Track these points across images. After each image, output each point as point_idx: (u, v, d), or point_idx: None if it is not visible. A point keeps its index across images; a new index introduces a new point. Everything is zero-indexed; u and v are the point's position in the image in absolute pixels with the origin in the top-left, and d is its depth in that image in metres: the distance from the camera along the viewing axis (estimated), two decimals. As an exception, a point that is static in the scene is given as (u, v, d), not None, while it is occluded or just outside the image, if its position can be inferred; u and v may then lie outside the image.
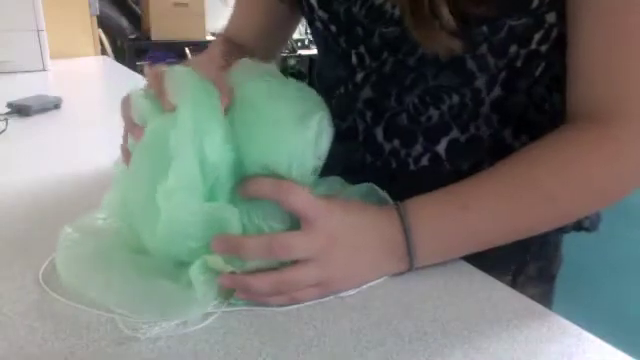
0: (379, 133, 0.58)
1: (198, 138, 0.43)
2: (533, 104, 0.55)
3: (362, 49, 0.57)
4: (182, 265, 0.46)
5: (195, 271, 0.44)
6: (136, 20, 3.85)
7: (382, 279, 0.50)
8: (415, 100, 0.55)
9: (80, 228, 0.51)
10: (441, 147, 0.56)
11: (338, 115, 0.56)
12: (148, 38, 3.67)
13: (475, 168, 0.55)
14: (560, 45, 0.52)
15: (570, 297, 0.67)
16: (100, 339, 0.41)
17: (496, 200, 0.48)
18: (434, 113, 0.55)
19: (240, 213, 0.45)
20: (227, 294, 0.46)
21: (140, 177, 0.46)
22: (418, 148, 0.57)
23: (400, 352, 0.40)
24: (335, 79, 0.62)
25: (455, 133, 0.55)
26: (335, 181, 0.53)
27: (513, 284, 0.60)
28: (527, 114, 0.55)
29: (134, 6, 3.85)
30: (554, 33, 0.51)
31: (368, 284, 0.49)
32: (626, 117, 0.47)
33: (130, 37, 3.78)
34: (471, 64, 0.52)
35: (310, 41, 3.93)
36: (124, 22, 3.80)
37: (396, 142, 0.57)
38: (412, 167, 0.57)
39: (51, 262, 0.50)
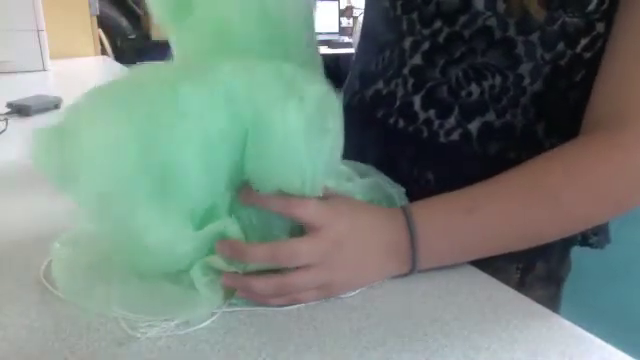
0: (417, 101, 0.58)
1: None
2: (569, 107, 0.56)
3: (415, 16, 0.57)
4: (184, 266, 0.46)
5: (197, 272, 0.44)
6: (136, 20, 3.85)
7: (383, 281, 0.50)
8: (459, 73, 0.55)
9: (72, 238, 0.51)
10: (474, 126, 0.56)
11: (383, 78, 0.57)
12: (148, 38, 3.67)
13: (501, 154, 0.56)
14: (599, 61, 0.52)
15: (572, 298, 0.67)
16: (100, 339, 0.41)
17: (503, 205, 0.48)
18: (475, 90, 0.55)
19: (241, 219, 0.45)
20: (228, 294, 0.46)
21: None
22: (452, 121, 0.57)
23: (400, 352, 0.40)
24: (383, 42, 0.62)
25: (491, 115, 0.56)
26: (343, 172, 0.53)
27: (521, 283, 0.60)
28: (562, 116, 0.56)
29: (134, 6, 3.85)
30: (599, 43, 0.52)
31: (368, 286, 0.49)
32: (633, 124, 0.48)
33: (130, 37, 3.78)
34: (520, 49, 0.52)
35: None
36: (124, 22, 3.80)
37: (431, 112, 0.58)
38: (442, 139, 0.57)
39: (48, 266, 0.50)
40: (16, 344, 0.40)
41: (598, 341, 0.42)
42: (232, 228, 0.45)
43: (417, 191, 0.52)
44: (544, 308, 0.47)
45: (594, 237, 0.62)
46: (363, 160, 0.57)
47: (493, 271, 0.52)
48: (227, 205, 0.46)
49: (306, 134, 0.41)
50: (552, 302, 0.63)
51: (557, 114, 0.56)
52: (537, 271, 0.62)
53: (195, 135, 0.40)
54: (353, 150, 0.49)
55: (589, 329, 0.43)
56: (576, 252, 0.65)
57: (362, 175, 0.55)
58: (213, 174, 0.43)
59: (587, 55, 0.53)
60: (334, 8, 3.78)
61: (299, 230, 0.47)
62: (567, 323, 0.44)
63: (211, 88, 0.41)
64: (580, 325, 0.44)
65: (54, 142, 0.40)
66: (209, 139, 0.41)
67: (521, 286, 0.52)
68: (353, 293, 0.48)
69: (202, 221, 0.45)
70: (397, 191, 0.53)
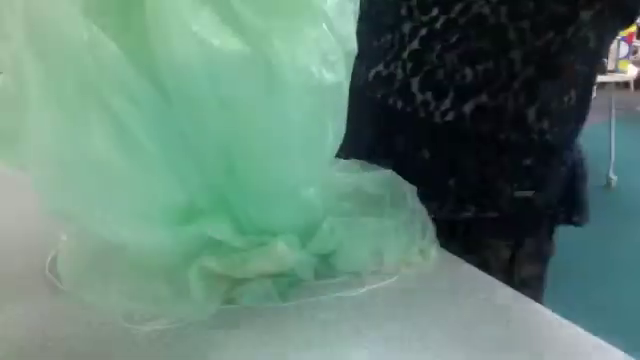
0: (415, 84, 0.61)
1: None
2: (558, 94, 0.59)
3: (414, 2, 0.60)
4: (181, 264, 0.45)
5: (193, 275, 0.43)
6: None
7: (384, 281, 0.50)
8: (455, 59, 0.58)
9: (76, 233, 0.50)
10: (467, 107, 0.59)
11: (383, 60, 0.60)
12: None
13: (492, 135, 0.59)
14: (585, 51, 0.56)
15: (570, 296, 0.69)
16: (100, 338, 0.41)
17: None
18: (468, 73, 0.58)
19: (235, 215, 0.44)
20: (228, 291, 0.46)
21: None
22: (447, 103, 0.59)
23: (400, 352, 0.40)
24: (384, 26, 0.64)
25: (483, 98, 0.58)
26: (355, 163, 0.53)
27: (512, 258, 0.63)
28: (552, 101, 0.59)
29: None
30: (584, 31, 0.56)
31: (369, 286, 0.49)
32: None
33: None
34: (512, 35, 0.55)
35: None
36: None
37: (428, 94, 0.60)
38: (437, 119, 0.60)
39: (53, 259, 0.50)
40: (16, 344, 0.40)
41: (599, 340, 0.42)
42: (218, 229, 0.43)
43: (412, 166, 0.56)
44: (544, 307, 0.47)
45: (576, 216, 0.66)
46: (360, 138, 0.59)
47: (485, 247, 0.54)
48: (212, 201, 0.44)
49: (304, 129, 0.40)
50: (539, 281, 0.67)
51: (546, 99, 0.59)
52: (526, 247, 0.65)
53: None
54: (352, 128, 0.48)
55: (588, 327, 0.43)
56: (575, 249, 0.69)
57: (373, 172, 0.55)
58: (175, 166, 0.40)
59: (574, 42, 0.56)
60: None
61: (304, 227, 0.46)
62: (567, 322, 0.44)
63: None
64: (579, 323, 0.44)
65: None
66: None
67: (512, 262, 0.54)
68: (355, 293, 0.48)
69: (185, 218, 0.43)
70: (410, 189, 0.54)
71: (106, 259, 0.47)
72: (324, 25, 0.41)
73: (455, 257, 0.53)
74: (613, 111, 3.45)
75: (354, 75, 0.64)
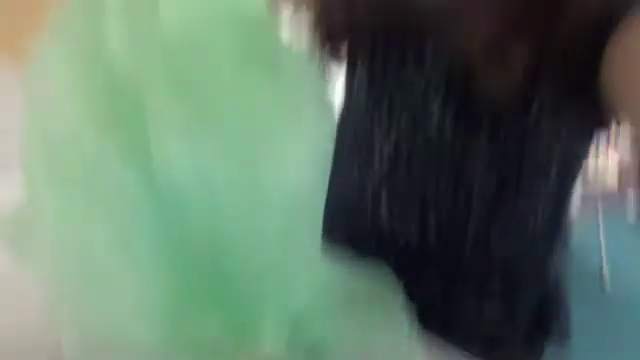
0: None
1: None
2: (521, 216, 0.56)
3: (383, 109, 0.57)
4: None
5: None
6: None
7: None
8: (420, 169, 0.56)
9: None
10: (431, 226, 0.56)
11: (359, 170, 0.59)
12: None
13: (455, 256, 0.56)
14: (553, 162, 0.53)
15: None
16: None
17: None
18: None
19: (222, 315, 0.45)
20: None
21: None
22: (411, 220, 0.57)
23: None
24: (355, 132, 0.62)
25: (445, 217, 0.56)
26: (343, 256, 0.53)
27: None
28: (515, 223, 0.56)
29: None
30: (546, 146, 0.53)
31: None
32: None
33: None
34: (471, 147, 0.53)
35: None
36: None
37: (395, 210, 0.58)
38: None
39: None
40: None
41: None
42: (207, 326, 0.44)
43: None
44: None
45: (555, 337, 0.62)
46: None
47: None
48: (201, 300, 0.45)
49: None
50: None
51: (510, 220, 0.56)
52: None
53: None
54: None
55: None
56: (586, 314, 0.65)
57: None
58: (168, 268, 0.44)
59: (538, 157, 0.53)
60: None
61: (291, 321, 0.46)
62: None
63: None
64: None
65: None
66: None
67: None
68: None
69: (175, 316, 0.45)
70: (396, 284, 0.51)
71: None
72: (305, 142, 0.48)
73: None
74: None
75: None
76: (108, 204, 0.43)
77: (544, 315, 0.60)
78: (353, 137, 0.61)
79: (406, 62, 0.56)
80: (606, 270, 2.92)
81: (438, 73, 0.53)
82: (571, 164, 0.56)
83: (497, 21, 0.48)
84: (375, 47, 0.58)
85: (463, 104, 0.52)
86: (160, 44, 0.45)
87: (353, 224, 0.59)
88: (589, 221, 2.74)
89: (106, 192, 0.43)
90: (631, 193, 2.96)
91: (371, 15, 0.57)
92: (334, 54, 0.62)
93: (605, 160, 2.83)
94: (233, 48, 0.48)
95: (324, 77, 0.61)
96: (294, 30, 0.62)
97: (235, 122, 0.46)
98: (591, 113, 0.51)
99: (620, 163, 2.92)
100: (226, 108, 0.46)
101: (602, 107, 0.48)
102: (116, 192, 0.43)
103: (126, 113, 0.44)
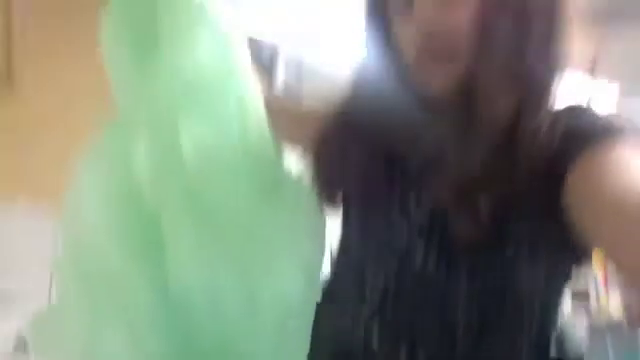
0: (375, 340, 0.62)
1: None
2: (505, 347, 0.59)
3: (372, 253, 0.63)
4: None
5: None
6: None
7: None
8: (408, 308, 0.60)
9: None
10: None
11: (350, 308, 0.63)
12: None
13: None
14: (534, 300, 0.57)
15: None
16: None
17: None
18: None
19: None
20: None
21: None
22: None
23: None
24: (350, 269, 0.66)
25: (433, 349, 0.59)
26: None
27: None
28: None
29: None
30: (527, 287, 0.56)
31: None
32: None
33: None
34: (454, 287, 0.57)
35: None
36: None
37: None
38: None
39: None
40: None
41: None
42: None
43: None
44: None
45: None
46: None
47: None
48: None
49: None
50: None
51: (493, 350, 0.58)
52: None
53: None
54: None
55: None
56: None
57: None
58: None
59: (520, 295, 0.57)
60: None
61: None
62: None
63: None
64: None
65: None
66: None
67: None
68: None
69: None
70: None
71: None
72: (298, 263, 0.57)
73: None
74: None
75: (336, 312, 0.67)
76: (126, 309, 0.50)
77: None
78: (347, 271, 0.67)
79: (392, 208, 0.62)
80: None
81: (420, 217, 0.60)
82: (553, 295, 0.60)
83: (463, 176, 0.54)
84: (365, 196, 0.65)
85: (444, 245, 0.57)
86: (180, 172, 0.53)
87: (344, 353, 0.63)
88: (599, 353, 2.62)
89: (125, 299, 0.50)
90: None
91: (361, 171, 0.64)
92: (331, 201, 0.68)
93: (609, 293, 2.78)
94: (245, 177, 0.57)
95: (321, 209, 0.67)
96: (299, 164, 0.70)
97: (241, 242, 0.54)
98: (566, 245, 0.55)
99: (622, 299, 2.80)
100: (235, 230, 0.54)
101: (575, 240, 0.52)
102: (134, 300, 0.50)
103: (147, 233, 0.52)
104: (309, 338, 0.58)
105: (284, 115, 0.78)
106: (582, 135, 0.53)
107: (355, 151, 0.65)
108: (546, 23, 0.57)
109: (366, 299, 0.62)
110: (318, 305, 0.70)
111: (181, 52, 0.56)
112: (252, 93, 0.62)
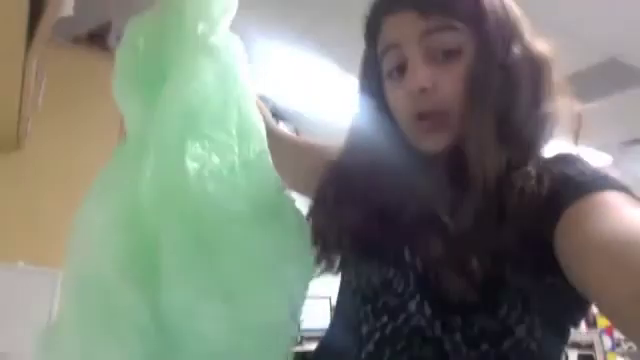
0: None
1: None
2: None
3: (368, 308, 0.64)
4: None
5: None
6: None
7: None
8: None
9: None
10: None
11: (348, 357, 0.63)
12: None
13: None
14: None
15: None
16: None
17: None
18: None
19: None
20: None
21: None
22: None
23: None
24: (348, 325, 0.67)
25: None
26: None
27: None
28: None
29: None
30: (525, 345, 0.56)
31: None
32: None
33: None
34: (448, 345, 0.57)
35: (303, 338, 3.40)
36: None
37: None
38: None
39: None
40: None
41: None
42: None
43: None
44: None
45: None
46: None
47: None
48: None
49: None
50: None
51: None
52: None
53: None
54: None
55: None
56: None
57: None
58: None
59: (514, 356, 0.56)
60: (326, 305, 3.81)
61: None
62: None
63: None
64: None
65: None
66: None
67: None
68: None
69: None
70: None
71: None
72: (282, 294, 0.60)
73: None
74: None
75: None
76: (120, 330, 0.51)
77: None
78: (344, 327, 0.68)
79: (386, 264, 0.63)
80: None
81: (413, 278, 0.60)
82: (551, 356, 0.59)
83: (454, 234, 0.55)
84: (360, 252, 0.66)
85: (437, 305, 0.58)
86: (183, 197, 0.55)
87: None
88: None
89: (120, 320, 0.51)
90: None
91: (356, 227, 0.65)
92: (329, 266, 0.69)
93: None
94: (244, 202, 0.59)
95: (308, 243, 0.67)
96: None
97: (232, 268, 0.55)
98: (561, 300, 0.55)
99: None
100: (228, 255, 0.56)
101: (570, 293, 0.51)
102: (128, 321, 0.51)
103: (145, 260, 0.53)
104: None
105: (284, 145, 0.80)
106: (570, 184, 0.53)
107: (350, 207, 0.66)
108: (532, 88, 0.60)
109: (362, 356, 0.62)
110: (315, 359, 0.70)
111: (185, 79, 0.58)
112: (254, 119, 0.64)
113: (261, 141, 0.64)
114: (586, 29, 2.35)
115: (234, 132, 0.61)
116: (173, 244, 0.53)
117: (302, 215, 0.67)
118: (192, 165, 0.55)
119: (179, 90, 0.58)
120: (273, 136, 0.70)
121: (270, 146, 0.65)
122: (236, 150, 0.60)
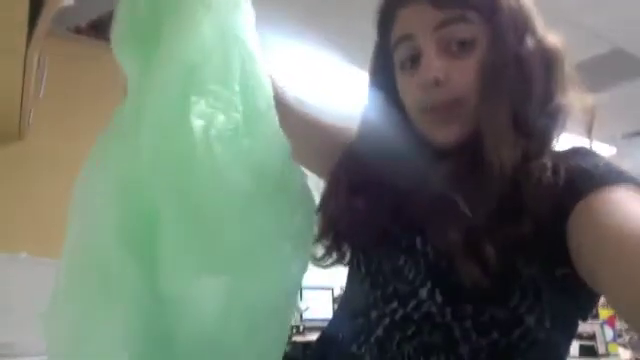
0: None
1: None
2: None
3: (378, 293, 0.64)
4: None
5: None
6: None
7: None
8: (411, 350, 0.60)
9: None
10: None
11: (357, 341, 0.63)
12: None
13: None
14: (538, 351, 0.56)
15: None
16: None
17: None
18: None
19: None
20: None
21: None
22: None
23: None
24: (356, 309, 0.67)
25: None
26: None
27: None
28: None
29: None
30: (533, 335, 0.56)
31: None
32: None
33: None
34: (458, 332, 0.57)
35: (305, 328, 3.52)
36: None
37: None
38: None
39: None
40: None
41: None
42: None
43: None
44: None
45: None
46: None
47: None
48: None
49: None
50: None
51: None
52: None
53: None
54: None
55: None
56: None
57: None
58: None
59: (523, 345, 0.56)
60: (328, 296, 3.81)
61: None
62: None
63: None
64: None
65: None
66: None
67: None
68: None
69: None
70: None
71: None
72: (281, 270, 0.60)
73: None
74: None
75: (338, 348, 0.69)
76: (117, 297, 0.51)
77: None
78: (352, 311, 0.67)
79: (398, 253, 0.63)
80: None
81: (424, 266, 0.60)
82: (559, 346, 0.60)
83: (469, 223, 0.54)
84: (372, 241, 0.66)
85: (448, 292, 0.57)
86: (184, 165, 0.53)
87: None
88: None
89: (117, 288, 0.51)
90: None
91: (367, 225, 0.65)
92: (340, 257, 0.70)
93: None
94: (250, 172, 0.57)
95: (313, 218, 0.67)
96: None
97: (229, 246, 0.54)
98: (572, 292, 0.55)
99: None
100: (226, 234, 0.54)
101: (581, 286, 0.51)
102: (125, 289, 0.50)
103: (145, 228, 0.52)
104: (285, 341, 0.61)
105: (295, 120, 0.77)
106: (585, 176, 0.54)
107: (362, 198, 0.66)
108: (545, 80, 0.60)
109: (371, 341, 0.62)
110: (322, 348, 0.70)
111: (185, 33, 0.56)
112: (259, 77, 0.61)
113: (267, 99, 0.61)
114: (589, 18, 2.32)
115: (237, 88, 0.58)
116: (172, 213, 0.52)
117: (308, 188, 0.66)
118: (197, 122, 0.53)
119: (179, 43, 0.55)
120: (282, 105, 0.68)
121: (279, 115, 0.64)
122: (240, 108, 0.57)
